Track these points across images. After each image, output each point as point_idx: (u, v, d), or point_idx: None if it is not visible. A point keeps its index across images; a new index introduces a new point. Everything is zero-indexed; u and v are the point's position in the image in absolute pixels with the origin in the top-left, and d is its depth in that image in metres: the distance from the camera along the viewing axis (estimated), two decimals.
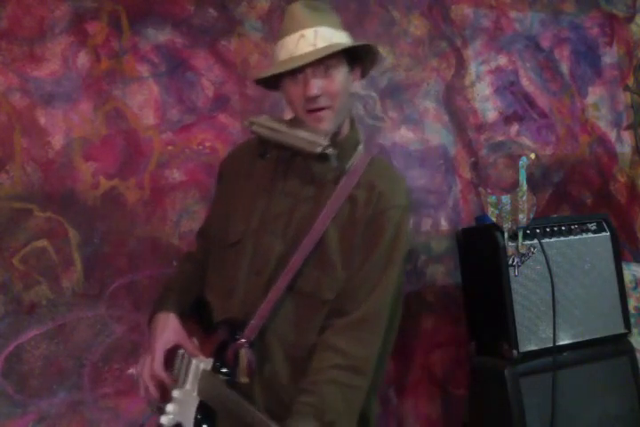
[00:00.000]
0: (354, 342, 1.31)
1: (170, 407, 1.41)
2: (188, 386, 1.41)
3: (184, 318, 1.49)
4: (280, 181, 1.45)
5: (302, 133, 1.40)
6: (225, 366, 1.36)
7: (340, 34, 1.42)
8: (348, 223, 1.37)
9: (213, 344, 1.41)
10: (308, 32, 1.36)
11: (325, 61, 1.35)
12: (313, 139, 1.38)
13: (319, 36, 1.36)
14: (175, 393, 1.42)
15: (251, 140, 1.60)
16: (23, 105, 2.08)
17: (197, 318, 1.52)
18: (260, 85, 1.53)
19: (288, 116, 1.54)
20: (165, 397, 1.44)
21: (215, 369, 1.38)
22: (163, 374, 1.40)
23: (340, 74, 1.39)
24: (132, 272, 2.16)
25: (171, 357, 1.48)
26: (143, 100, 2.23)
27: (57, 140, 2.11)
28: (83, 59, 2.17)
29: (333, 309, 1.35)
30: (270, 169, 1.48)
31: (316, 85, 1.35)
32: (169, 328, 1.44)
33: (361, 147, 1.49)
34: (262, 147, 1.51)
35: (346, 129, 1.48)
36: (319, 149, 1.36)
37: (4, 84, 2.06)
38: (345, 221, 1.38)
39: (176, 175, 2.25)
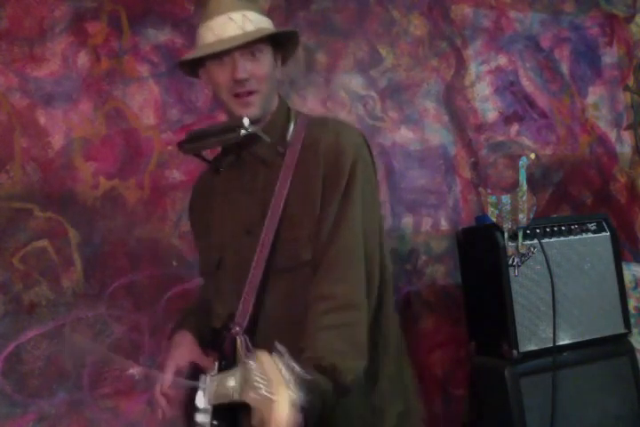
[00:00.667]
0: (333, 283, 1.28)
1: None
2: (205, 404, 1.36)
3: (203, 341, 1.46)
4: (236, 183, 1.44)
5: (221, 127, 1.40)
6: (230, 363, 1.31)
7: (266, 19, 1.41)
8: (305, 184, 1.34)
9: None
10: (236, 15, 1.35)
11: (253, 46, 1.34)
12: (233, 125, 1.36)
13: (247, 20, 1.35)
14: (198, 418, 1.36)
15: (204, 169, 1.60)
16: (23, 105, 2.09)
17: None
18: (183, 70, 1.50)
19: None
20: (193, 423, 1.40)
21: (221, 369, 1.34)
22: (169, 393, 1.38)
23: (267, 58, 1.38)
24: (132, 272, 2.16)
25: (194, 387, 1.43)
26: (143, 100, 2.23)
27: (57, 140, 2.11)
28: (83, 59, 2.17)
29: (313, 266, 1.32)
30: (227, 179, 1.47)
31: (245, 68, 1.33)
32: (183, 346, 1.43)
33: (293, 113, 1.46)
34: (212, 163, 1.52)
35: (273, 108, 1.45)
36: (242, 131, 1.33)
37: (4, 84, 2.06)
38: (301, 183, 1.35)
39: (176, 175, 2.25)
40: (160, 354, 2.15)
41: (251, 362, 1.07)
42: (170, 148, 2.25)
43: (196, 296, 1.69)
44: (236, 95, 1.36)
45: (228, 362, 1.33)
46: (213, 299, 1.49)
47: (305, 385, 1.01)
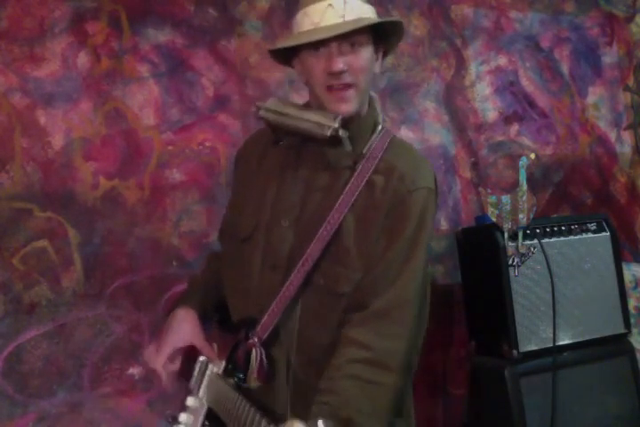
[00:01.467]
0: (376, 335, 1.19)
1: (183, 417, 1.34)
2: (200, 393, 1.35)
3: (206, 318, 1.42)
4: (291, 169, 1.35)
5: (311, 116, 1.28)
6: (238, 370, 1.27)
7: (369, 7, 1.30)
8: (367, 211, 1.26)
9: (227, 347, 1.35)
10: (337, 2, 1.23)
11: (353, 36, 1.24)
12: (322, 121, 1.26)
13: (348, 8, 1.24)
14: (189, 401, 1.35)
15: (264, 128, 1.47)
16: (23, 105, 2.08)
17: (220, 319, 1.46)
18: (274, 57, 1.40)
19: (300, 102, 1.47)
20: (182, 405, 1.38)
21: (227, 372, 1.30)
22: (159, 369, 1.33)
23: (367, 51, 1.28)
24: (132, 272, 2.16)
25: (191, 364, 1.42)
26: (143, 100, 2.23)
27: (57, 140, 2.11)
28: (83, 59, 2.17)
29: (353, 303, 1.24)
30: (281, 157, 1.38)
31: (342, 60, 1.24)
32: (186, 326, 1.37)
33: (380, 128, 1.37)
34: (275, 134, 1.40)
35: (364, 110, 1.36)
36: (329, 132, 1.24)
37: (4, 84, 2.06)
38: (363, 208, 1.27)
39: (176, 175, 2.25)
40: None
41: None
42: (170, 148, 2.25)
43: (207, 263, 1.62)
44: (330, 89, 1.27)
45: (236, 369, 1.28)
46: (228, 270, 1.43)
47: None
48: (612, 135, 3.14)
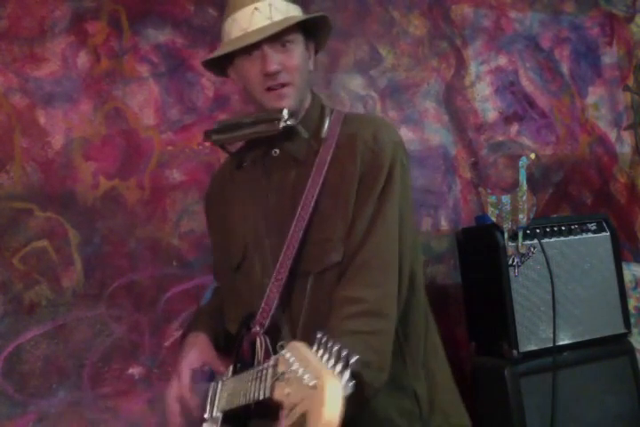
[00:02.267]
0: (363, 286, 1.19)
1: None
2: (214, 412, 1.28)
3: (217, 344, 1.38)
4: (263, 181, 1.36)
5: (257, 119, 1.31)
6: (245, 366, 1.22)
7: (294, 7, 1.32)
8: (339, 182, 1.27)
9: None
10: (262, 5, 1.26)
11: (283, 36, 1.26)
12: (269, 117, 1.28)
13: (274, 9, 1.27)
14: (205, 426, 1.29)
15: (224, 161, 1.51)
16: (23, 105, 2.09)
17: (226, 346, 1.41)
18: (210, 70, 1.42)
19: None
20: None
21: (236, 372, 1.25)
22: (189, 396, 1.29)
23: (298, 48, 1.31)
24: (132, 272, 2.16)
25: (204, 391, 1.35)
26: (143, 100, 2.23)
27: (57, 140, 2.11)
28: (83, 59, 2.17)
29: (343, 268, 1.23)
30: (250, 175, 1.39)
31: (275, 60, 1.26)
32: (196, 347, 1.35)
33: (330, 111, 1.38)
34: (235, 157, 1.43)
35: (306, 105, 1.37)
36: (280, 124, 1.25)
37: (4, 84, 2.06)
38: (335, 181, 1.27)
39: (176, 175, 2.25)
40: (160, 354, 2.15)
41: (283, 352, 0.91)
42: (170, 148, 2.25)
43: (212, 295, 1.62)
44: (269, 89, 1.29)
45: (244, 364, 1.24)
46: (228, 303, 1.42)
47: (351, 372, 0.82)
48: (612, 135, 3.14)
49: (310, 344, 0.87)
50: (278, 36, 1.26)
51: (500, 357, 2.15)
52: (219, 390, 1.31)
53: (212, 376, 1.37)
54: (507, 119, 2.88)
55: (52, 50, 2.13)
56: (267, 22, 1.25)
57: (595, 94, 3.12)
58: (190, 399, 1.29)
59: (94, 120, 2.17)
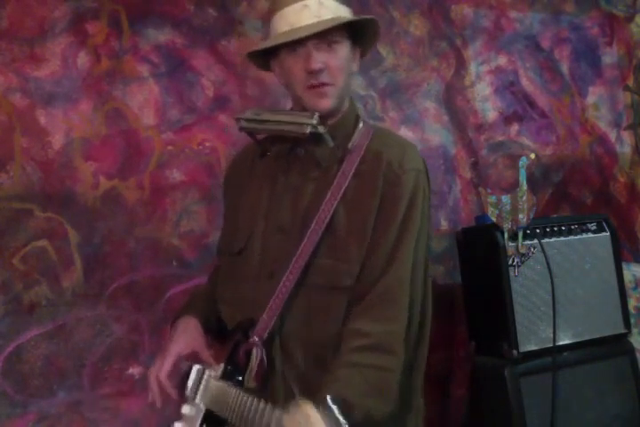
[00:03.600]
0: (372, 321, 1.18)
1: (178, 426, 1.33)
2: (197, 399, 1.33)
3: (209, 328, 1.41)
4: (281, 176, 1.36)
5: (289, 118, 1.31)
6: (237, 371, 1.26)
7: (344, 7, 1.33)
8: (358, 201, 1.26)
9: (224, 352, 1.33)
10: (312, 2, 1.26)
11: (329, 35, 1.26)
12: (300, 120, 1.28)
13: (324, 8, 1.26)
14: (185, 409, 1.34)
15: (249, 144, 1.50)
16: (23, 105, 2.08)
17: (219, 330, 1.44)
18: (253, 62, 1.42)
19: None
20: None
21: (225, 374, 1.28)
22: (165, 382, 1.31)
23: (344, 49, 1.31)
24: (132, 272, 2.16)
25: (186, 373, 1.40)
26: (143, 100, 2.23)
27: (57, 140, 2.11)
28: (83, 59, 2.17)
29: (354, 295, 1.23)
30: (271, 168, 1.39)
31: (320, 59, 1.25)
32: (188, 333, 1.37)
33: (361, 123, 1.39)
34: (260, 146, 1.43)
35: (344, 108, 1.38)
36: (308, 129, 1.26)
37: (4, 84, 2.06)
38: (354, 199, 1.26)
39: (176, 175, 2.25)
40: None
41: (293, 412, 0.93)
42: (170, 148, 2.25)
43: (208, 278, 1.63)
44: (310, 87, 1.28)
45: (236, 370, 1.26)
46: (223, 283, 1.43)
47: None
48: (612, 135, 3.14)
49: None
50: (325, 35, 1.26)
51: (500, 357, 2.15)
52: (204, 380, 1.33)
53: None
54: (507, 119, 2.88)
55: (51, 50, 2.13)
56: (315, 20, 1.25)
57: (595, 94, 3.12)
58: (167, 386, 1.31)
59: (94, 120, 2.17)
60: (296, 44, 1.26)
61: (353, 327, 1.19)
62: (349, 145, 1.33)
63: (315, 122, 1.26)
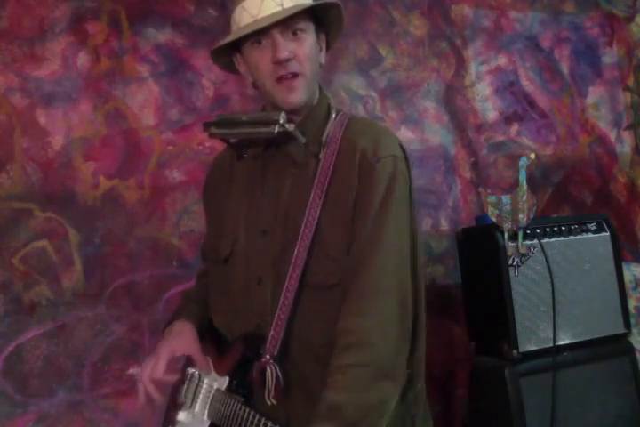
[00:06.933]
0: (354, 315, 1.16)
1: None
2: (197, 408, 1.31)
3: (203, 332, 1.40)
4: (259, 179, 1.34)
5: (256, 118, 1.28)
6: (242, 386, 1.25)
7: None
8: (338, 198, 1.23)
9: (227, 363, 1.31)
10: None
11: (294, 24, 1.23)
12: (267, 120, 1.25)
13: None
14: (181, 416, 1.32)
15: (226, 147, 1.47)
16: (23, 105, 2.09)
17: (213, 336, 1.43)
18: (218, 63, 1.40)
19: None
20: (171, 420, 1.35)
21: (231, 389, 1.27)
22: (163, 379, 1.30)
23: (310, 38, 1.27)
24: (132, 272, 2.16)
25: (180, 377, 1.39)
26: (143, 100, 2.23)
27: (57, 140, 2.11)
28: (83, 59, 2.17)
29: (343, 290, 1.21)
30: (249, 168, 1.37)
31: (286, 48, 1.22)
32: (182, 336, 1.36)
33: (334, 113, 1.34)
34: (236, 149, 1.40)
35: (314, 100, 1.34)
36: (276, 129, 1.22)
37: (4, 84, 2.06)
38: (335, 197, 1.23)
39: (176, 175, 2.25)
40: None
41: None
42: (170, 148, 2.25)
43: (196, 282, 1.62)
44: (279, 80, 1.25)
45: (242, 385, 1.25)
46: (214, 292, 1.42)
47: None
48: (612, 135, 3.14)
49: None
50: (289, 24, 1.23)
51: (500, 357, 2.15)
52: (204, 389, 1.32)
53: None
54: (507, 119, 2.88)
55: (51, 50, 2.13)
56: (277, 9, 1.22)
57: (595, 94, 3.12)
58: (165, 381, 1.31)
59: (94, 120, 2.17)
60: (260, 34, 1.23)
61: (339, 326, 1.18)
62: (323, 138, 1.29)
63: (282, 120, 1.23)
